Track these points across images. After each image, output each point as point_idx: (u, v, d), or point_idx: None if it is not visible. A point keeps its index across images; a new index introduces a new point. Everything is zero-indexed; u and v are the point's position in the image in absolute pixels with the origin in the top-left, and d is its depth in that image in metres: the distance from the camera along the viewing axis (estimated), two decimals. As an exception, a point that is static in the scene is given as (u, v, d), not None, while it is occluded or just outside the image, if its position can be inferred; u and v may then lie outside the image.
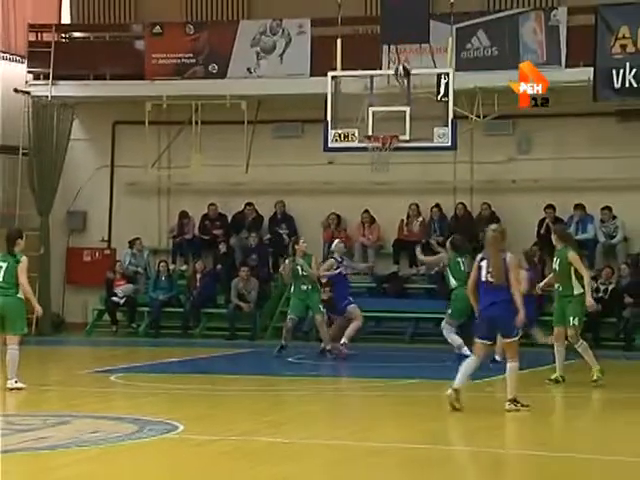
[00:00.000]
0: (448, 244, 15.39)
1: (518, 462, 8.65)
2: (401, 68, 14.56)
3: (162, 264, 19.30)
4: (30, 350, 12.56)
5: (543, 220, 18.21)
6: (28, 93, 19.31)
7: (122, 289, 19.26)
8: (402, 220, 18.87)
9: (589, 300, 12.32)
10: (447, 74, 14.94)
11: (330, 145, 15.49)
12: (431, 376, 13.48)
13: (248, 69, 18.56)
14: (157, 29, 19.02)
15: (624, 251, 17.91)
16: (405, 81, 14.59)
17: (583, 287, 12.30)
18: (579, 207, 18.02)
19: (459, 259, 14.86)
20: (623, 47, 16.12)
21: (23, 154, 19.36)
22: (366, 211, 19.03)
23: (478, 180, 18.92)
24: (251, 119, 18.72)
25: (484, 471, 8.27)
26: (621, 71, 16.01)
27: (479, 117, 16.76)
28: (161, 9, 20.16)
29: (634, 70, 15.97)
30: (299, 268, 15.34)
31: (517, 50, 17.09)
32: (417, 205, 18.74)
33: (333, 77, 15.31)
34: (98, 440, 9.06)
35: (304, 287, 15.39)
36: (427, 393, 12.13)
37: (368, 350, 16.72)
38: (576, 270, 12.26)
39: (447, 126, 14.96)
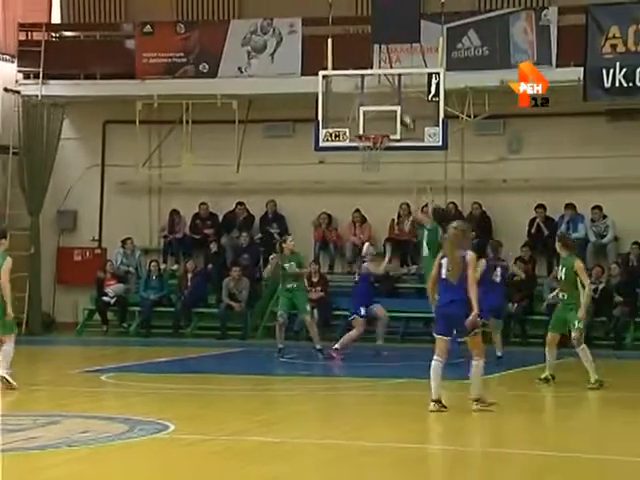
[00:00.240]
0: (430, 212, 15.39)
1: (510, 461, 8.66)
2: (408, 120, 14.64)
3: (153, 264, 19.28)
4: (20, 350, 12.52)
5: (534, 220, 18.25)
6: (18, 92, 19.27)
7: (113, 289, 19.23)
8: (393, 220, 18.88)
9: (583, 311, 12.25)
10: (438, 74, 14.95)
11: (321, 144, 15.49)
12: (422, 375, 13.47)
13: (239, 68, 18.55)
14: (148, 28, 18.99)
15: (614, 250, 17.95)
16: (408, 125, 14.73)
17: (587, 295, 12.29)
18: (570, 206, 18.06)
19: (439, 229, 14.71)
20: (613, 47, 16.16)
21: (13, 153, 19.32)
22: (357, 210, 19.04)
23: (469, 180, 18.94)
24: (242, 118, 18.71)
25: (476, 470, 8.28)
26: (611, 71, 16.04)
27: (470, 117, 16.78)
28: (152, 8, 20.13)
29: (624, 70, 16.01)
30: (286, 266, 15.32)
31: (508, 50, 17.11)
32: (408, 204, 18.76)
33: (324, 76, 15.31)
34: (88, 440, 9.04)
35: (289, 285, 15.39)
36: (418, 392, 12.13)
37: (359, 350, 16.72)
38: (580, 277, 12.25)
39: (438, 126, 14.97)
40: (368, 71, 15.68)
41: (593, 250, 17.95)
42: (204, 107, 18.33)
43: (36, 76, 19.18)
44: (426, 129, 14.99)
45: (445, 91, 14.94)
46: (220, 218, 19.70)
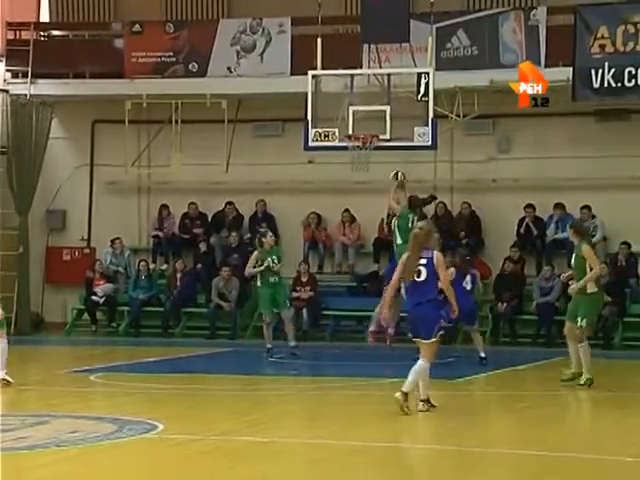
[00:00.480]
0: (406, 201, 15.19)
1: (500, 460, 8.67)
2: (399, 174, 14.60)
3: (142, 263, 19.25)
4: (9, 349, 12.48)
5: (523, 219, 18.28)
6: (6, 92, 19.21)
7: (102, 288, 19.20)
8: (382, 219, 18.89)
9: (576, 285, 12.03)
10: (427, 73, 14.97)
11: (310, 144, 15.50)
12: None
13: (228, 68, 18.53)
14: (137, 27, 18.95)
15: (603, 250, 17.97)
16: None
17: (597, 285, 12.14)
18: (559, 206, 18.10)
19: (410, 216, 14.65)
20: (602, 47, 16.18)
21: (1, 153, 19.25)
22: (346, 210, 19.05)
23: (458, 179, 18.96)
24: (231, 118, 18.69)
25: (465, 470, 8.29)
26: (600, 71, 16.07)
27: (459, 116, 16.80)
28: (141, 7, 20.09)
29: (613, 70, 16.04)
30: (269, 260, 15.29)
31: (497, 50, 17.13)
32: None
33: (313, 76, 15.32)
34: (77, 440, 9.03)
35: (272, 280, 15.36)
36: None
37: (349, 349, 16.74)
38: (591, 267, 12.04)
39: (427, 125, 14.99)
40: (357, 71, 15.70)
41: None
42: (193, 107, 18.30)
43: (24, 75, 19.12)
44: (415, 129, 15.01)
45: (434, 91, 14.96)
46: (209, 218, 19.68)
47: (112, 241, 19.62)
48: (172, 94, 18.34)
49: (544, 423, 10.21)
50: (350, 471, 8.27)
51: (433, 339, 10.28)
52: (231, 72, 18.52)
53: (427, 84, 14.89)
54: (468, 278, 14.40)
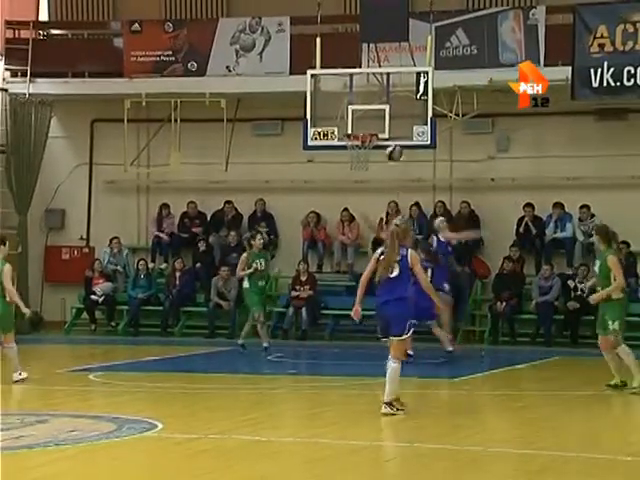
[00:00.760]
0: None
1: (499, 460, 8.67)
2: (396, 150, 14.53)
3: (141, 262, 19.25)
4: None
5: (522, 218, 18.28)
6: (6, 90, 19.21)
7: (101, 287, 19.20)
8: (382, 218, 18.89)
9: (598, 295, 11.90)
10: (426, 73, 14.98)
11: (310, 143, 15.51)
12: (411, 374, 13.50)
13: (227, 67, 18.53)
14: (136, 27, 18.96)
15: (602, 249, 17.97)
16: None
17: (622, 291, 11.84)
18: (558, 205, 18.10)
19: None
20: (601, 46, 16.19)
21: (0, 152, 19.26)
22: (345, 209, 19.04)
23: (457, 178, 18.96)
24: (230, 117, 18.69)
25: (465, 469, 8.29)
26: (599, 70, 16.08)
27: (458, 116, 16.80)
28: (140, 6, 20.09)
29: (612, 69, 16.05)
30: (257, 263, 15.38)
31: (496, 49, 17.14)
32: (396, 203, 18.77)
33: (312, 75, 15.33)
34: (76, 439, 9.03)
35: (261, 283, 15.46)
36: (407, 391, 12.14)
37: (348, 348, 16.74)
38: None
39: (426, 124, 15.01)
40: (357, 70, 15.71)
41: (581, 249, 17.99)
42: (192, 106, 18.31)
43: (24, 74, 19.13)
44: (414, 128, 15.02)
45: (433, 90, 14.97)
46: (208, 217, 19.68)
47: (110, 240, 19.62)
48: (171, 93, 18.35)
49: (543, 422, 10.21)
50: (349, 471, 8.28)
51: (404, 336, 10.16)
52: (230, 71, 18.52)
53: (426, 83, 14.90)
54: (429, 272, 14.33)
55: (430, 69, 15.07)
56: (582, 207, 17.96)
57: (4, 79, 19.31)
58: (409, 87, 14.98)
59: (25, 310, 12.58)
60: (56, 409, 10.68)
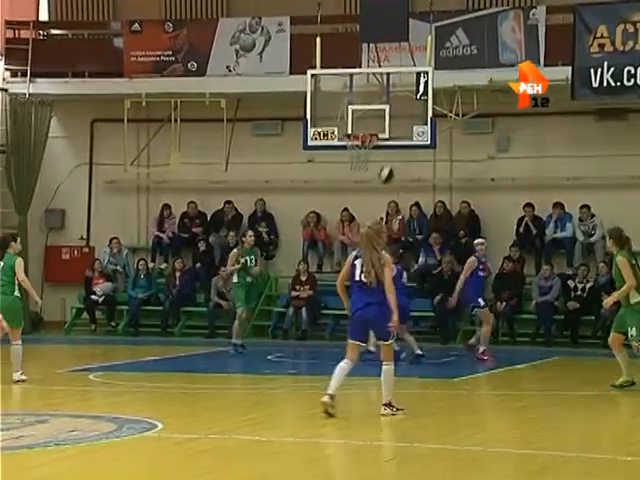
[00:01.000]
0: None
1: (499, 460, 8.67)
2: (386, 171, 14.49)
3: (141, 262, 19.25)
4: (8, 348, 12.50)
5: (522, 218, 18.28)
6: (6, 90, 19.21)
7: (101, 287, 19.20)
8: (381, 218, 18.86)
9: (610, 299, 11.90)
10: (426, 73, 14.98)
11: (310, 143, 15.51)
12: (411, 374, 13.51)
13: (227, 67, 18.53)
14: (136, 27, 18.96)
15: (602, 249, 17.99)
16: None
17: (639, 294, 11.64)
18: (558, 205, 18.10)
19: None
20: (601, 46, 16.19)
21: (0, 152, 19.26)
22: (345, 209, 19.05)
23: (457, 178, 18.96)
24: (230, 117, 18.69)
25: (464, 469, 8.29)
26: (599, 70, 16.08)
27: (458, 116, 16.80)
28: (140, 6, 20.09)
29: (612, 69, 16.05)
30: (247, 259, 15.46)
31: (496, 49, 17.14)
32: (396, 203, 18.78)
33: (312, 75, 15.33)
34: (76, 439, 9.03)
35: (249, 279, 15.53)
36: (407, 391, 12.15)
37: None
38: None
39: (426, 124, 15.01)
40: (357, 70, 15.71)
41: (581, 249, 18.00)
42: (192, 105, 18.31)
43: (24, 74, 19.13)
44: (415, 128, 15.02)
45: (433, 90, 14.97)
46: (208, 217, 19.68)
47: (110, 241, 19.62)
48: (171, 93, 18.35)
49: (543, 422, 10.21)
50: (349, 471, 8.28)
51: (391, 340, 10.05)
52: (230, 71, 18.52)
53: (426, 83, 14.90)
54: (404, 274, 14.32)
55: (430, 69, 15.07)
56: (582, 207, 17.96)
57: (4, 79, 19.31)
58: (409, 87, 14.98)
59: (37, 299, 12.92)
60: (56, 409, 10.68)
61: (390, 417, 10.08)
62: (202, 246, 19.26)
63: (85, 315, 19.39)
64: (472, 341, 15.09)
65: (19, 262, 12.44)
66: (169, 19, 19.71)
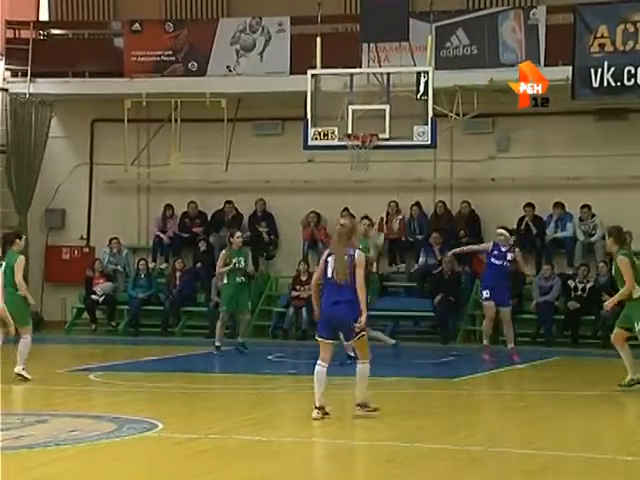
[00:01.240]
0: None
1: (500, 459, 8.67)
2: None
3: (141, 262, 19.25)
4: (9, 348, 12.51)
5: (522, 218, 18.28)
6: (6, 90, 19.21)
7: (101, 287, 19.21)
8: (382, 218, 18.89)
9: (610, 302, 11.87)
10: (427, 72, 14.98)
11: (310, 143, 15.51)
12: (411, 374, 13.51)
13: (228, 67, 18.53)
14: (136, 26, 18.96)
15: (602, 249, 17.97)
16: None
17: None
18: (558, 205, 18.10)
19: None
20: (601, 46, 16.19)
21: (1, 152, 19.26)
22: (346, 209, 19.02)
23: (458, 178, 18.96)
24: (231, 117, 18.69)
25: (465, 469, 8.29)
26: (599, 70, 16.08)
27: (459, 115, 16.79)
28: (140, 6, 20.09)
29: (612, 69, 16.04)
30: (234, 261, 15.47)
31: (496, 49, 17.14)
32: (397, 203, 18.78)
33: (313, 75, 15.33)
34: (76, 439, 9.03)
35: (238, 280, 15.54)
36: (407, 391, 12.16)
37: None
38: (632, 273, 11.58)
39: (427, 124, 15.00)
40: (357, 70, 15.71)
41: (581, 249, 17.99)
42: (193, 105, 18.31)
43: (24, 74, 19.13)
44: (415, 128, 15.02)
45: (434, 90, 14.97)
46: (209, 217, 19.68)
47: (110, 241, 19.62)
48: (172, 93, 18.35)
49: (543, 422, 10.20)
50: (349, 471, 8.28)
51: (357, 338, 9.95)
52: (231, 71, 18.52)
53: (426, 83, 14.90)
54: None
55: (430, 69, 15.06)
56: (583, 207, 17.95)
57: (4, 79, 19.31)
58: (409, 87, 14.98)
59: (32, 301, 12.84)
60: (56, 409, 10.68)
61: (391, 417, 10.07)
62: (202, 246, 19.26)
63: (85, 315, 19.39)
64: (511, 345, 14.94)
65: (19, 260, 12.45)
66: (169, 19, 19.71)
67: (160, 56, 18.80)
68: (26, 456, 8.44)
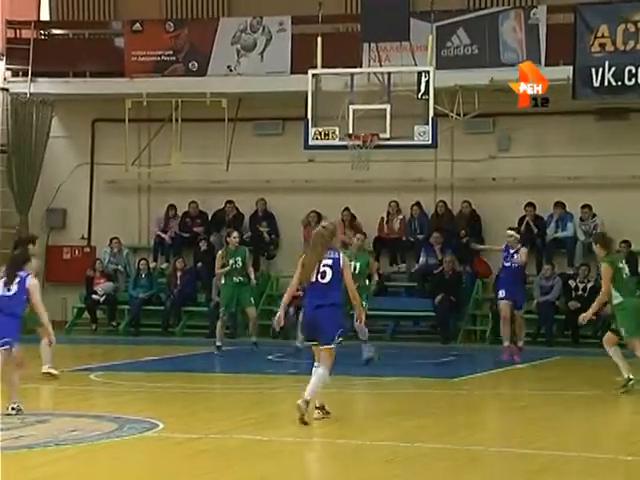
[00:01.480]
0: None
1: (500, 459, 8.67)
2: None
3: (142, 262, 19.26)
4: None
5: (523, 218, 18.27)
6: (7, 90, 19.22)
7: (102, 287, 19.21)
8: (382, 218, 18.90)
9: (587, 314, 11.95)
10: (427, 72, 14.97)
11: (311, 143, 15.51)
12: (411, 374, 13.51)
13: (228, 67, 18.54)
14: (137, 26, 18.96)
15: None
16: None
17: (621, 295, 11.65)
18: (559, 205, 18.10)
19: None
20: (602, 46, 16.19)
21: (2, 151, 19.27)
22: (346, 209, 19.04)
23: (458, 178, 18.96)
24: (231, 117, 18.70)
25: (465, 469, 8.29)
26: (600, 70, 16.07)
27: (459, 115, 16.79)
28: (141, 6, 20.10)
29: (613, 69, 16.04)
30: (231, 261, 15.47)
31: (497, 48, 17.14)
32: (397, 203, 18.78)
33: (313, 75, 15.33)
34: (77, 439, 9.03)
35: (236, 279, 15.53)
36: (407, 391, 12.15)
37: (348, 348, 16.70)
38: (614, 279, 11.63)
39: (427, 124, 15.00)
40: (358, 70, 15.71)
41: (582, 249, 17.98)
42: (193, 105, 18.31)
43: (25, 74, 19.14)
44: (416, 127, 15.01)
45: (434, 89, 14.96)
46: (210, 216, 19.68)
47: (110, 240, 19.62)
48: (172, 93, 18.35)
49: (543, 422, 10.20)
50: (349, 471, 8.27)
51: (332, 345, 9.84)
52: (231, 71, 18.52)
53: (427, 83, 14.90)
54: None
55: (431, 69, 15.06)
56: (583, 207, 17.95)
57: (5, 79, 19.32)
58: (410, 87, 14.97)
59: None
60: (57, 409, 10.68)
61: (391, 417, 10.07)
62: (203, 246, 19.26)
63: (86, 315, 19.39)
64: (520, 344, 14.95)
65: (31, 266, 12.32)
66: (170, 19, 19.71)
67: (161, 56, 18.80)
68: (26, 456, 8.44)
